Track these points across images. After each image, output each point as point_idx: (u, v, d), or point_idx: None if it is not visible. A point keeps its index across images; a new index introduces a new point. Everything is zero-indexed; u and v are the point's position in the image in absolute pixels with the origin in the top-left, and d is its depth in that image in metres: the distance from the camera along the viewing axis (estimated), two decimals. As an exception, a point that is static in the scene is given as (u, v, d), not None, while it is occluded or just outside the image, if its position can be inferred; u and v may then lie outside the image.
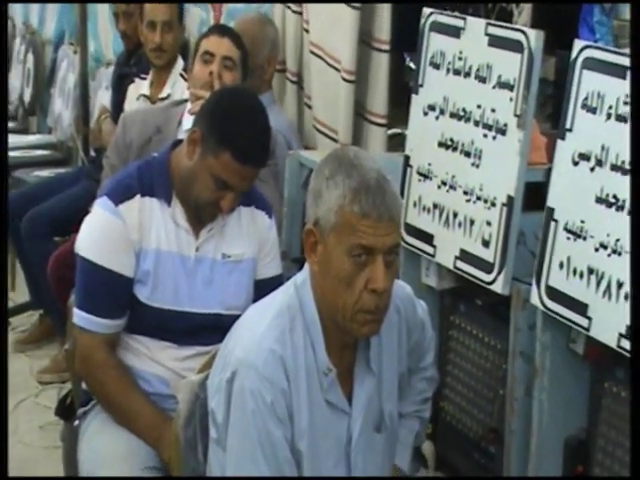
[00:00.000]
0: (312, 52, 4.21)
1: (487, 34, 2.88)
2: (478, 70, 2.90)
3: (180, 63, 4.63)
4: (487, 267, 2.81)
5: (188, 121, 3.57)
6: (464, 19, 2.97)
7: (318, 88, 4.22)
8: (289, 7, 4.37)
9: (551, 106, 3.34)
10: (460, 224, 2.92)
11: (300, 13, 4.31)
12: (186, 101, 3.88)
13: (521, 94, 2.75)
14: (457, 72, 2.97)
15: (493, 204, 2.81)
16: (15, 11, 8.04)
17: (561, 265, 2.56)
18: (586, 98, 2.52)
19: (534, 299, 2.64)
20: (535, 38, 2.73)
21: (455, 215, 2.94)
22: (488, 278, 2.81)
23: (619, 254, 2.37)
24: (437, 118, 3.03)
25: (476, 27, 2.92)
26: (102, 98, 5.44)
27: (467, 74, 2.93)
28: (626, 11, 2.97)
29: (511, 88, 2.78)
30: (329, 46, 4.10)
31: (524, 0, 3.26)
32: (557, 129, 2.65)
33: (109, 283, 2.96)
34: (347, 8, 3.91)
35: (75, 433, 3.10)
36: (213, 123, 2.92)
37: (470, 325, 3.06)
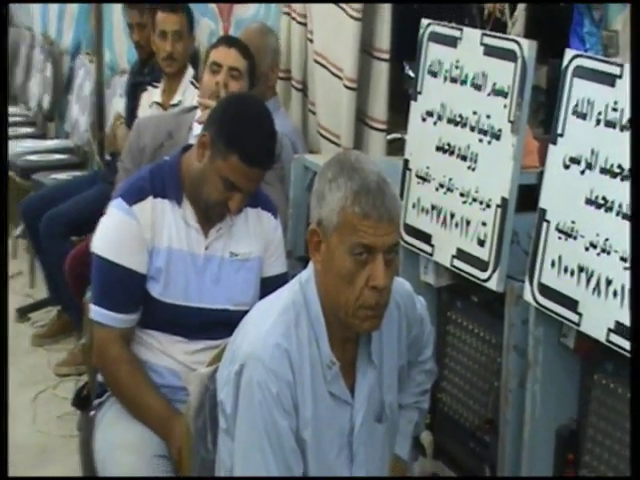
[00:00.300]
0: (316, 61, 4.22)
1: (482, 44, 2.88)
2: (474, 78, 2.89)
3: (190, 71, 4.64)
4: (482, 265, 2.81)
5: (198, 127, 3.57)
6: (460, 30, 2.97)
7: (322, 95, 4.22)
8: (294, 19, 4.37)
9: (543, 112, 3.33)
10: (457, 224, 2.92)
11: (305, 24, 4.31)
12: (196, 108, 3.88)
13: (515, 101, 2.74)
14: (454, 80, 2.97)
15: (488, 205, 2.80)
16: (35, 22, 8.06)
17: (553, 263, 2.56)
18: (576, 105, 2.52)
19: (527, 296, 2.63)
20: (528, 48, 2.72)
21: (452, 216, 2.94)
22: (483, 276, 2.81)
23: (608, 253, 2.36)
24: (435, 124, 3.03)
25: (472, 37, 2.92)
26: (117, 105, 5.44)
27: (463, 82, 2.93)
28: (615, 22, 2.96)
29: (505, 95, 2.77)
30: (332, 55, 4.10)
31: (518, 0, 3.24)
32: (549, 134, 2.64)
33: (123, 280, 2.96)
34: (349, 19, 3.92)
35: (91, 423, 3.11)
36: (221, 128, 2.93)
37: (466, 321, 3.05)
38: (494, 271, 2.77)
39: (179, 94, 4.61)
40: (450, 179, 2.95)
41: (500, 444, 2.82)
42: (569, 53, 2.59)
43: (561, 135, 2.57)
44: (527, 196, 2.75)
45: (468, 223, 2.88)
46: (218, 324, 2.93)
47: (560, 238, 2.53)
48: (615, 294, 2.33)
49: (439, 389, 3.10)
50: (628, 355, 2.25)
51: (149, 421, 2.93)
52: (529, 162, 2.93)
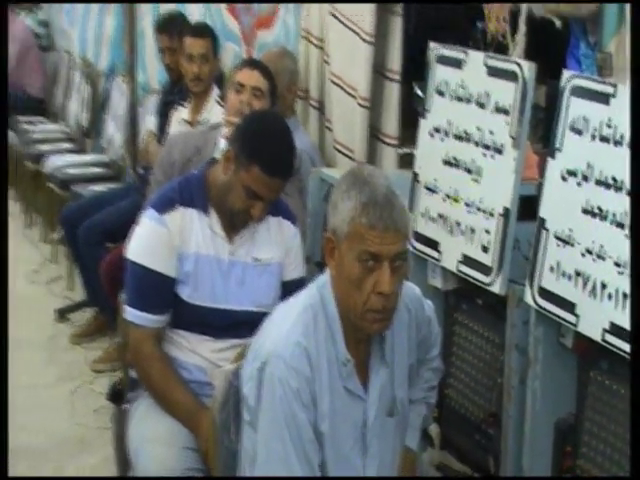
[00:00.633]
0: (332, 82, 4.23)
1: (486, 65, 2.87)
2: (478, 97, 2.89)
3: (215, 91, 4.66)
4: (486, 270, 2.80)
5: (223, 142, 3.58)
6: (465, 52, 2.97)
7: (337, 113, 4.23)
8: (312, 42, 4.38)
9: (542, 128, 3.32)
10: (462, 232, 2.91)
11: (322, 48, 4.33)
12: (222, 124, 3.89)
13: (516, 118, 2.73)
14: (459, 99, 2.96)
15: (491, 215, 2.79)
16: (73, 47, 8.09)
17: (551, 268, 2.55)
18: (573, 121, 2.51)
19: (528, 298, 2.62)
20: (528, 69, 2.72)
21: (458, 224, 2.93)
22: (487, 280, 2.80)
23: (603, 259, 2.36)
24: (442, 139, 3.03)
25: (476, 59, 2.92)
26: (149, 122, 5.46)
27: (468, 100, 2.92)
28: (609, 45, 2.95)
29: (507, 113, 2.77)
30: (347, 76, 4.11)
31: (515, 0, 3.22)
32: (548, 149, 2.64)
33: (155, 283, 2.97)
34: (363, 43, 3.93)
35: (124, 416, 3.11)
36: (244, 142, 2.94)
37: (471, 322, 3.04)
38: (497, 275, 2.76)
39: (206, 112, 4.63)
40: (456, 190, 2.95)
41: (503, 436, 2.80)
42: (566, 74, 2.58)
43: (559, 149, 2.56)
44: (527, 206, 2.74)
45: (473, 231, 2.87)
46: (242, 324, 2.93)
47: (558, 245, 2.53)
48: (610, 297, 2.32)
49: (446, 385, 3.09)
50: (622, 354, 2.24)
51: (178, 415, 2.93)
52: (529, 174, 2.93)
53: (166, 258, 2.97)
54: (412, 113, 3.74)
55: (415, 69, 3.62)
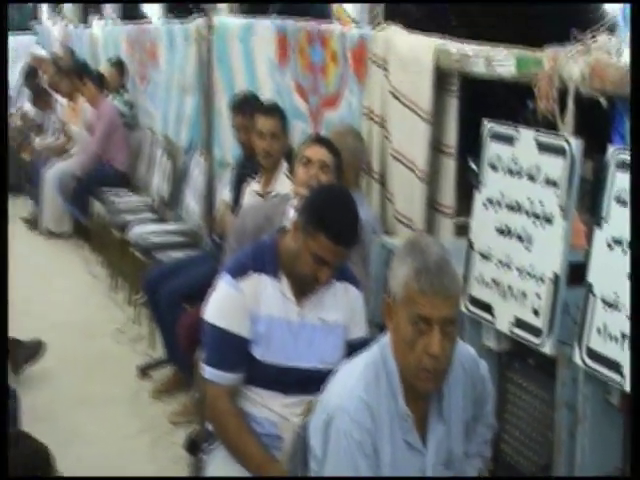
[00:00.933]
0: (392, 156, 4.25)
1: (536, 141, 2.89)
2: (529, 170, 2.90)
3: (285, 165, 4.66)
4: (537, 332, 2.79)
5: (292, 212, 3.61)
6: (517, 129, 2.99)
7: (398, 185, 4.24)
8: (374, 121, 4.41)
9: (589, 200, 3.31)
10: (515, 296, 2.91)
11: (383, 125, 4.35)
12: (290, 196, 3.92)
13: (564, 190, 2.75)
14: (511, 172, 2.98)
15: (542, 280, 2.79)
16: (156, 125, 8.22)
17: (599, 330, 2.53)
18: (618, 193, 2.52)
19: (576, 359, 2.61)
20: (576, 145, 2.74)
21: (510, 289, 2.93)
22: (538, 341, 2.79)
23: (648, 322, 2.34)
24: (495, 210, 3.04)
25: (527, 135, 2.94)
26: (224, 194, 5.50)
27: (519, 174, 2.94)
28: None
29: (556, 185, 2.78)
30: (407, 152, 4.13)
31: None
32: (594, 218, 2.64)
33: (230, 343, 2.99)
34: (421, 122, 3.95)
35: (201, 465, 3.12)
36: (312, 212, 2.96)
37: (523, 380, 3.02)
38: (547, 337, 2.75)
39: (275, 185, 4.63)
40: (509, 257, 2.95)
41: (555, 488, 2.78)
42: (611, 149, 2.60)
43: (605, 220, 2.56)
44: (576, 272, 2.73)
45: (525, 295, 2.87)
46: (310, 381, 2.92)
47: (605, 309, 2.52)
48: (655, 359, 2.30)
49: (500, 440, 3.07)
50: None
51: (251, 467, 2.93)
52: (577, 242, 2.92)
53: (240, 320, 2.99)
54: (467, 185, 3.76)
55: (470, 145, 3.63)
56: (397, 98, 4.17)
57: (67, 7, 13.06)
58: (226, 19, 6.57)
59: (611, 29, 3.04)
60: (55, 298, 6.83)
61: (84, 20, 12.30)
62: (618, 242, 2.49)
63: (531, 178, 2.89)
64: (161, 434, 4.69)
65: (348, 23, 4.93)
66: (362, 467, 2.29)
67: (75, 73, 9.30)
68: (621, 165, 2.52)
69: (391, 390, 2.35)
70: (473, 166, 3.73)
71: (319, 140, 3.97)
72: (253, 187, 4.76)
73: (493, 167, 3.06)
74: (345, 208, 3.01)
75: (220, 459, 3.03)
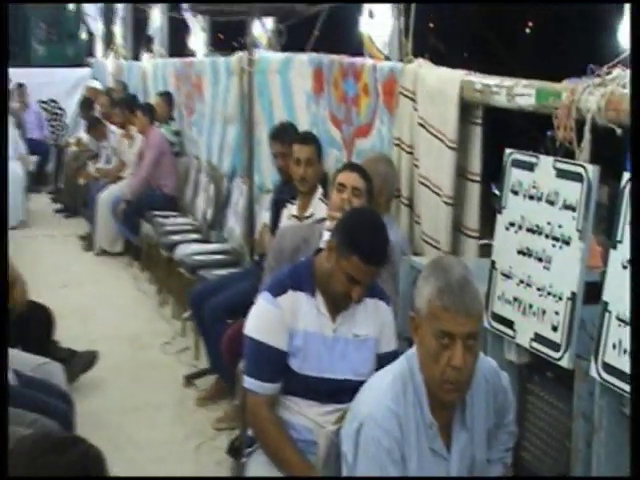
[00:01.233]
0: (420, 182, 4.24)
1: (555, 168, 2.88)
2: (548, 195, 2.89)
3: (320, 190, 4.66)
4: (556, 347, 2.78)
5: (327, 234, 3.62)
6: (537, 157, 2.98)
7: (425, 209, 4.24)
8: (403, 149, 4.41)
9: (605, 223, 3.30)
10: (534, 313, 2.90)
11: (411, 153, 4.35)
12: (326, 219, 3.94)
13: (582, 214, 2.74)
14: (531, 197, 2.97)
15: (560, 298, 2.78)
16: (201, 152, 8.25)
17: (614, 346, 2.51)
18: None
19: (593, 372, 2.59)
20: (592, 171, 2.73)
21: (530, 306, 2.92)
22: (557, 355, 2.78)
23: (660, 338, 2.32)
24: (516, 232, 3.03)
25: (546, 162, 2.93)
26: (263, 217, 5.52)
27: (539, 198, 2.93)
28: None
29: (574, 209, 2.77)
30: (433, 178, 4.12)
31: None
32: (610, 240, 2.63)
33: (270, 356, 3.00)
34: (447, 149, 3.95)
35: (242, 468, 3.13)
36: (345, 234, 2.98)
37: (543, 392, 3.00)
38: (565, 352, 2.74)
39: (311, 208, 4.65)
40: (529, 276, 2.94)
41: (572, 495, 2.76)
42: (626, 175, 2.59)
43: (620, 242, 2.55)
44: (592, 291, 2.72)
45: (544, 312, 2.85)
46: (343, 391, 2.93)
47: (620, 325, 2.50)
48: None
49: (521, 448, 3.04)
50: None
51: (288, 471, 2.93)
52: (594, 263, 2.91)
53: (279, 334, 3.01)
54: (490, 209, 3.75)
55: (493, 171, 3.63)
56: (425, 128, 4.17)
57: (120, 43, 13.21)
58: (266, 54, 6.62)
59: (625, 63, 3.03)
60: (108, 312, 6.87)
61: (135, 55, 12.43)
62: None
63: (550, 202, 2.88)
64: (205, 439, 4.69)
65: (379, 57, 4.95)
66: (390, 472, 2.29)
67: (127, 104, 9.41)
68: (635, 191, 2.51)
69: (417, 400, 2.35)
70: (496, 191, 3.73)
71: (352, 167, 3.98)
72: (291, 210, 4.78)
73: (514, 192, 3.06)
74: (375, 231, 3.02)
75: (260, 463, 3.04)
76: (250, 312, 3.12)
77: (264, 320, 3.05)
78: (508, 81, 3.53)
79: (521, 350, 3.00)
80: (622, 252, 2.53)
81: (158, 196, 8.29)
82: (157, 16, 10.87)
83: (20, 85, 12.71)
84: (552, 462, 2.94)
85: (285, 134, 5.23)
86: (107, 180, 9.08)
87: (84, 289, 7.47)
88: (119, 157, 9.19)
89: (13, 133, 10.62)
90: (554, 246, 2.84)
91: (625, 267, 2.51)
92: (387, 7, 4.90)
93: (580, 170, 2.78)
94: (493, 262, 3.13)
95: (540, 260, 2.90)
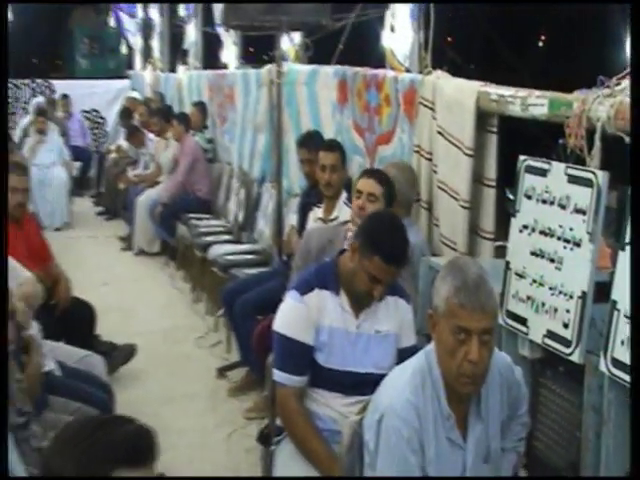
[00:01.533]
0: (439, 187, 4.24)
1: (566, 174, 2.87)
2: (560, 200, 2.88)
3: (344, 194, 4.66)
4: (567, 343, 2.77)
5: (350, 237, 3.63)
6: (549, 163, 2.97)
7: (443, 213, 4.23)
8: (423, 156, 4.41)
9: (614, 226, 3.28)
10: (547, 311, 2.89)
11: (430, 159, 4.35)
12: (349, 222, 3.94)
13: (592, 217, 2.72)
14: (544, 201, 2.96)
15: (571, 297, 2.77)
16: (233, 159, 8.26)
17: (622, 342, 2.50)
18: None
19: (602, 367, 2.58)
20: (602, 177, 2.72)
21: (543, 305, 2.91)
22: (568, 351, 2.77)
23: (666, 335, 2.31)
24: (529, 234, 3.02)
25: (558, 169, 2.92)
26: (291, 219, 5.52)
27: (551, 203, 2.92)
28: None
29: (584, 213, 2.76)
30: (451, 183, 4.11)
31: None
32: (618, 242, 2.61)
33: (297, 350, 3.01)
34: (464, 156, 3.94)
35: (271, 456, 3.14)
36: (367, 236, 2.98)
37: (554, 385, 2.99)
38: (576, 347, 2.73)
39: (336, 212, 4.66)
40: (541, 276, 2.93)
41: (582, 483, 2.75)
42: (633, 182, 2.57)
43: (628, 243, 2.54)
44: (602, 290, 2.71)
45: (556, 310, 2.85)
46: (366, 383, 2.92)
47: (628, 323, 2.49)
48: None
49: (533, 438, 3.04)
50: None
51: (314, 461, 2.94)
52: (603, 264, 2.89)
53: (306, 330, 3.01)
54: (505, 213, 3.74)
55: (507, 177, 3.62)
56: (443, 135, 4.17)
57: (157, 57, 13.28)
58: (293, 66, 6.63)
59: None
60: (146, 308, 6.90)
61: (172, 68, 12.49)
62: None
63: (562, 207, 2.87)
64: (236, 427, 4.71)
65: (400, 69, 4.94)
66: (410, 460, 2.29)
67: (163, 114, 9.45)
68: (642, 195, 2.50)
69: (435, 393, 2.35)
70: (510, 196, 3.72)
71: (368, 173, 3.98)
72: (317, 213, 4.79)
73: (528, 197, 3.05)
74: (396, 233, 3.02)
75: (287, 451, 3.05)
76: (279, 309, 3.13)
77: (292, 317, 3.05)
78: (522, 92, 3.51)
79: (534, 346, 2.99)
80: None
81: (193, 200, 8.31)
82: (192, 31, 10.91)
83: (65, 96, 12.82)
84: (563, 451, 2.93)
85: (311, 142, 5.23)
86: (145, 185, 9.12)
87: (124, 287, 7.51)
88: (156, 163, 9.24)
89: (58, 140, 10.72)
90: (565, 248, 2.83)
91: (633, 268, 2.49)
92: (408, 22, 4.89)
93: (590, 176, 2.77)
94: (507, 263, 3.13)
95: (552, 261, 2.89)
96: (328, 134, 5.56)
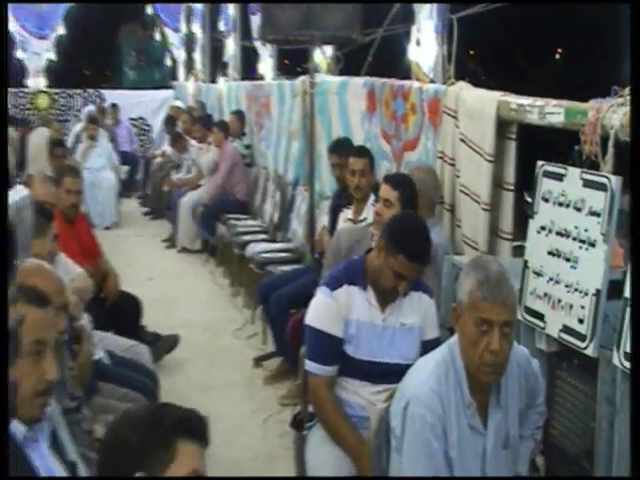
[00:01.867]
0: (461, 191, 4.22)
1: (581, 178, 2.85)
2: (575, 203, 2.86)
3: (372, 197, 4.64)
4: (582, 337, 2.75)
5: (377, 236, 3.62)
6: (565, 168, 2.95)
7: (465, 214, 4.21)
8: (446, 161, 4.39)
9: (627, 227, 3.24)
10: (563, 307, 2.86)
11: (453, 165, 4.33)
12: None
13: (606, 220, 2.70)
14: (560, 204, 2.94)
15: (586, 294, 2.75)
16: (269, 163, 8.29)
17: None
18: (651, 223, 2.46)
19: (615, 360, 2.55)
20: (615, 182, 2.69)
21: (559, 301, 2.89)
22: (582, 345, 2.74)
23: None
24: (547, 235, 3.00)
25: (574, 174, 2.90)
26: (323, 220, 5.53)
27: (567, 205, 2.90)
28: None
29: (599, 215, 2.73)
30: (472, 187, 4.09)
31: None
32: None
33: (327, 342, 3.01)
34: (485, 162, 3.92)
35: (303, 440, 3.15)
36: (392, 236, 2.98)
37: (570, 377, 2.97)
38: (590, 342, 2.70)
39: (364, 213, 4.65)
40: (558, 274, 2.91)
41: (595, 469, 2.71)
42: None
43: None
44: (615, 288, 2.68)
45: (571, 307, 2.82)
46: (392, 373, 2.92)
47: None
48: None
49: (550, 426, 3.01)
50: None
51: (343, 444, 2.95)
52: (616, 263, 2.86)
53: (335, 323, 3.01)
54: (523, 215, 3.72)
55: (526, 181, 3.59)
56: (465, 142, 4.15)
57: (199, 68, 13.35)
58: (325, 77, 6.63)
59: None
60: (188, 302, 6.93)
61: (212, 79, 12.55)
62: (651, 263, 2.43)
63: (577, 209, 2.85)
64: (271, 413, 4.71)
65: (425, 80, 4.93)
66: (434, 445, 2.29)
67: (204, 122, 9.50)
68: (654, 199, 2.47)
69: (458, 383, 2.34)
70: (528, 199, 3.69)
71: (385, 179, 3.98)
72: (346, 215, 4.78)
73: (545, 200, 3.03)
74: (419, 233, 3.02)
75: (319, 436, 3.05)
76: (310, 304, 3.13)
77: (322, 311, 3.06)
78: (540, 101, 3.49)
79: (550, 340, 2.97)
80: (642, 254, 2.48)
81: (231, 201, 8.33)
82: (231, 45, 10.96)
83: (114, 105, 12.93)
84: (578, 439, 2.90)
85: (342, 148, 5.23)
86: (187, 187, 9.17)
87: (167, 282, 7.55)
88: (198, 167, 9.28)
89: (108, 146, 10.81)
90: (580, 248, 2.81)
91: (645, 267, 2.46)
92: (432, 36, 4.89)
93: (604, 181, 2.74)
94: (526, 261, 3.10)
95: (568, 260, 2.86)
96: (357, 141, 5.56)
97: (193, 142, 9.82)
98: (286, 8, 4.94)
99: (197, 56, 13.51)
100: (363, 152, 4.80)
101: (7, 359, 1.13)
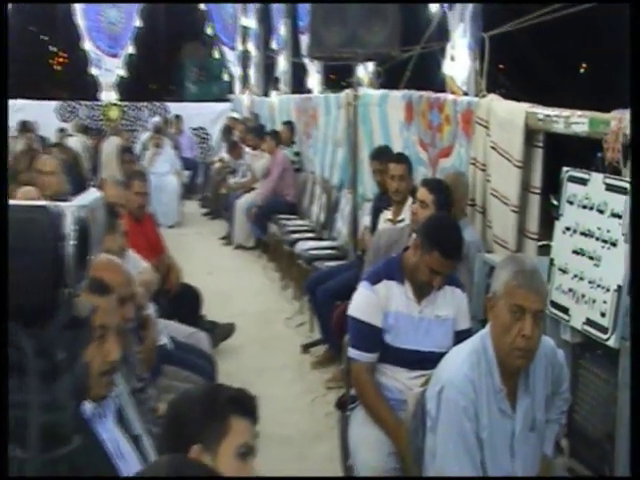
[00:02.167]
0: (491, 194, 4.18)
1: (604, 183, 2.82)
2: (598, 205, 2.83)
3: (410, 200, 4.61)
4: (604, 330, 2.71)
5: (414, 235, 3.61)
6: (589, 173, 2.91)
7: (495, 216, 4.17)
8: (478, 167, 4.36)
9: None
10: (586, 302, 2.83)
11: (484, 170, 4.29)
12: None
13: (627, 221, 2.65)
14: (584, 207, 2.91)
15: (608, 290, 2.71)
16: (316, 168, 8.30)
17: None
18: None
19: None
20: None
21: (583, 296, 2.86)
22: (605, 337, 2.71)
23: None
24: (571, 235, 2.97)
25: (597, 178, 2.87)
26: (365, 220, 5.53)
27: (591, 208, 2.87)
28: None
29: (620, 217, 2.70)
30: (502, 190, 4.06)
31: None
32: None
33: (368, 331, 3.02)
34: (514, 167, 3.88)
35: (346, 420, 3.15)
36: (427, 235, 2.97)
37: (593, 366, 2.93)
38: (612, 334, 2.67)
39: (403, 214, 4.62)
40: (582, 272, 2.88)
41: (616, 452, 2.68)
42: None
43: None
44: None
45: (594, 301, 2.79)
46: (428, 360, 2.91)
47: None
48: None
49: (574, 411, 2.98)
50: None
51: (382, 424, 2.94)
52: (636, 261, 2.82)
53: (376, 314, 3.02)
54: (549, 217, 3.67)
55: (552, 185, 3.55)
56: (496, 150, 4.11)
57: (253, 83, 13.42)
58: (367, 91, 6.62)
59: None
60: (242, 294, 6.98)
61: (265, 92, 12.61)
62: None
63: (600, 211, 2.81)
64: (318, 395, 4.72)
65: (459, 93, 4.89)
66: (466, 427, 2.28)
67: (258, 131, 9.56)
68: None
69: (489, 369, 2.33)
70: (554, 202, 3.65)
71: (422, 182, 3.98)
72: (386, 216, 4.78)
73: (570, 202, 3.00)
74: (452, 232, 3.01)
75: (360, 416, 3.05)
76: (353, 296, 3.14)
77: (364, 303, 3.06)
78: (565, 112, 3.44)
79: (575, 332, 2.94)
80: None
81: (282, 203, 8.36)
82: (282, 61, 11.00)
83: (177, 116, 13.07)
84: (600, 424, 2.87)
85: (382, 155, 5.22)
86: (243, 190, 9.23)
87: (224, 276, 7.61)
88: (252, 172, 9.34)
89: (171, 153, 10.93)
90: (603, 247, 2.78)
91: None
92: (465, 52, 4.85)
93: (625, 185, 2.70)
94: (552, 260, 3.08)
95: (591, 258, 2.83)
96: (396, 148, 5.54)
97: (248, 149, 9.88)
98: (332, 29, 4.95)
99: (251, 72, 13.59)
100: (402, 159, 4.80)
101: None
